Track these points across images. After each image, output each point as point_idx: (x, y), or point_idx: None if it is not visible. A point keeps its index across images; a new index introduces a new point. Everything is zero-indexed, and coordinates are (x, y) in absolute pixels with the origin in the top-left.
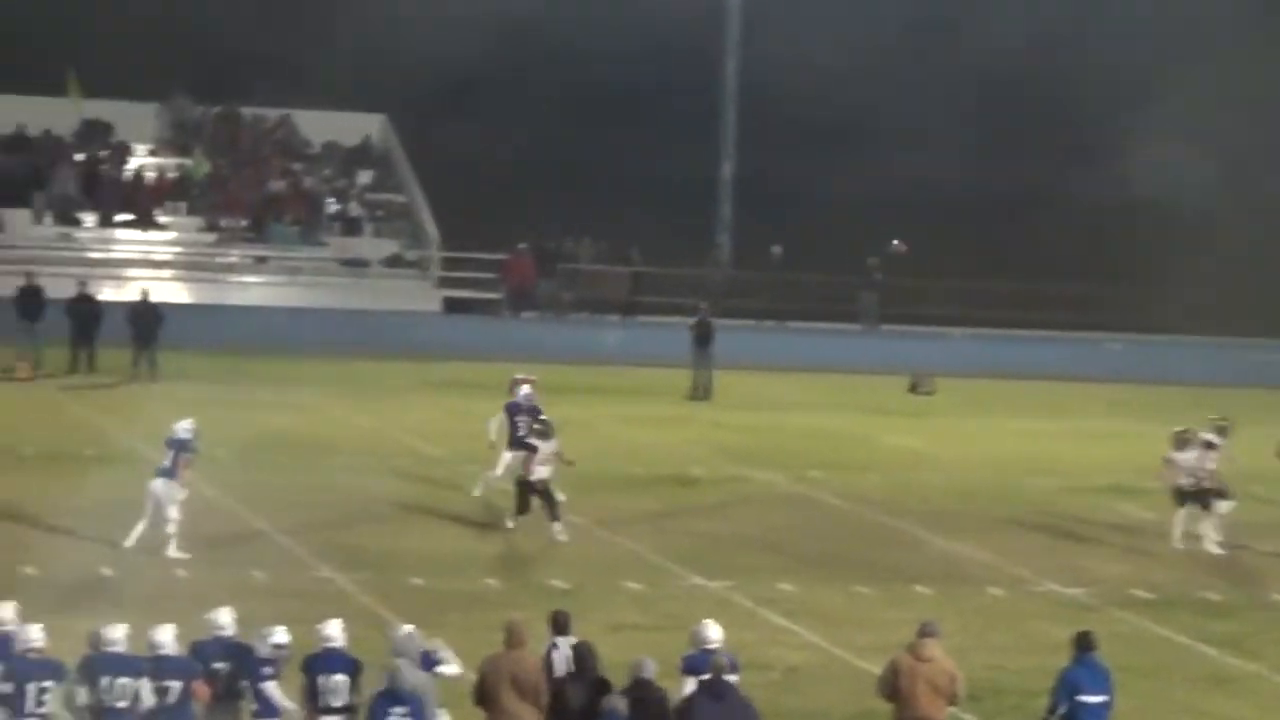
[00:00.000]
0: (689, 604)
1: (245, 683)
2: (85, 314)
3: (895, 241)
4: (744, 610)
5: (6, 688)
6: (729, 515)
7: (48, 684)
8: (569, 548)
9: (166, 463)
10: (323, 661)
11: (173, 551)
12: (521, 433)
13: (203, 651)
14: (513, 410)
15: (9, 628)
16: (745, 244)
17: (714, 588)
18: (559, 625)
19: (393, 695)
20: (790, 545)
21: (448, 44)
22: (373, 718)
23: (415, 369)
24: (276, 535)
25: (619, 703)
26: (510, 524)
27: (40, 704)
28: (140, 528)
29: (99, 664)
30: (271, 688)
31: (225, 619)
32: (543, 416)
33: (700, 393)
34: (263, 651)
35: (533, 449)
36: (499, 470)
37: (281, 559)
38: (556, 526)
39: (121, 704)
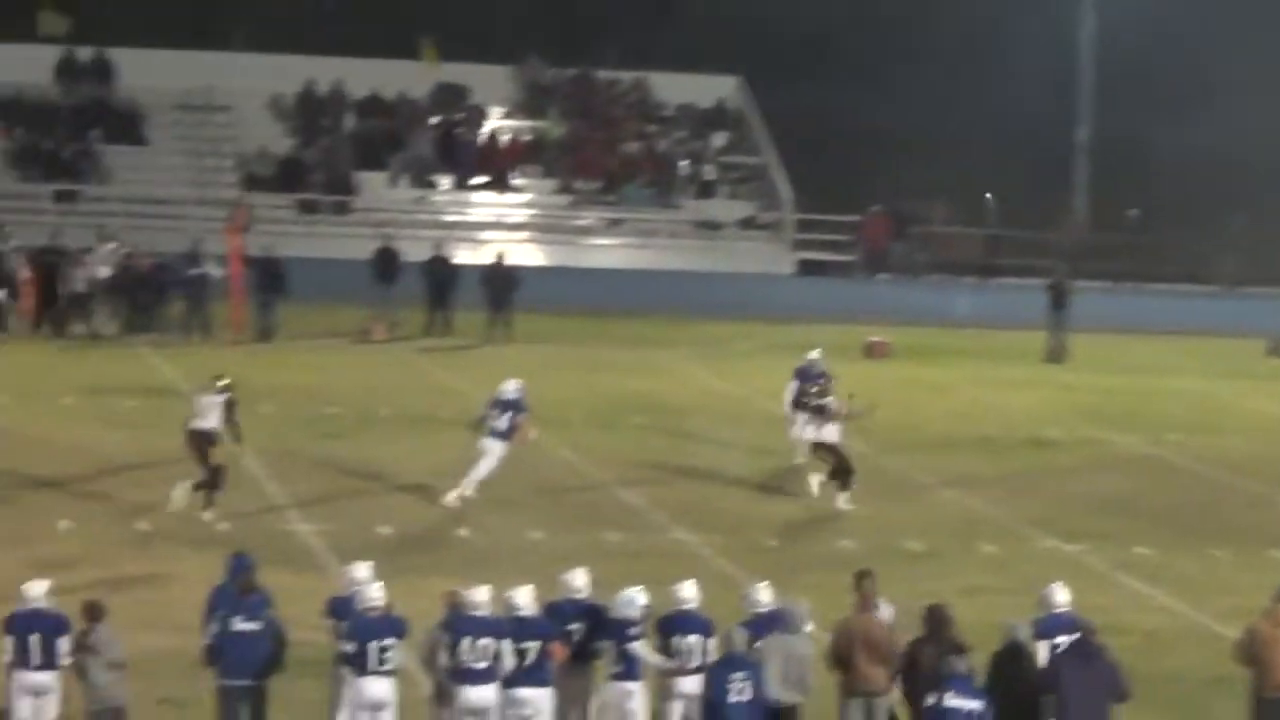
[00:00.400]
0: (1044, 567)
1: (601, 644)
2: (440, 276)
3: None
4: (1100, 574)
5: (350, 646)
6: (1085, 478)
7: (389, 641)
8: (925, 511)
9: (503, 424)
10: (678, 623)
11: (452, 498)
12: (807, 399)
13: (558, 613)
14: (802, 376)
15: (358, 587)
16: (1101, 206)
17: (1070, 551)
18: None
19: (731, 661)
20: (1147, 509)
21: (801, 5)
22: (714, 682)
23: (769, 331)
24: (630, 497)
25: (959, 664)
26: (815, 489)
27: (383, 662)
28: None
29: (460, 625)
30: (639, 647)
31: (580, 581)
32: (821, 381)
33: (1056, 355)
34: (629, 613)
35: (821, 411)
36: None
37: (635, 521)
38: (842, 496)
39: (481, 665)
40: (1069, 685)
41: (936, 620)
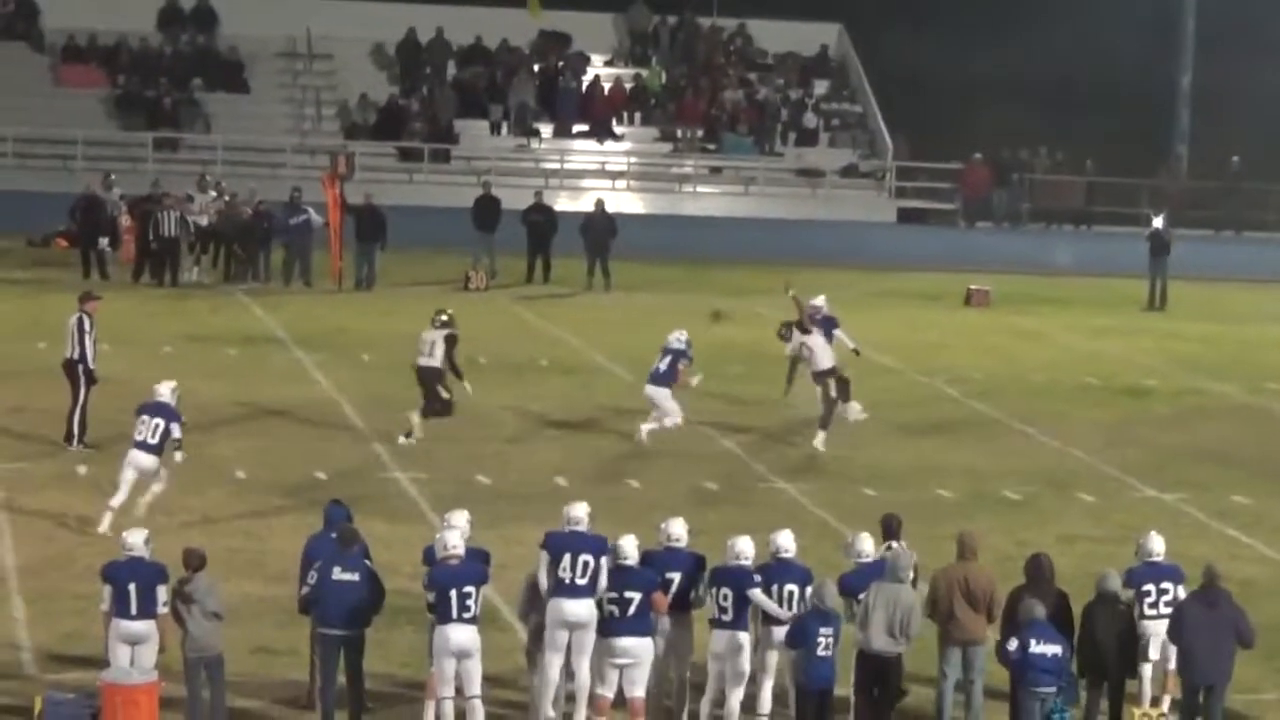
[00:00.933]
0: (1142, 516)
1: (702, 593)
2: (540, 224)
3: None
4: (1198, 523)
5: (431, 594)
6: (1184, 426)
7: (469, 589)
8: (1024, 459)
9: (662, 367)
10: (776, 571)
11: (643, 432)
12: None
13: (658, 562)
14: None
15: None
16: (1202, 154)
17: (1168, 500)
18: (890, 530)
19: (821, 615)
20: (1246, 458)
21: None
22: (803, 635)
23: (869, 279)
24: (729, 445)
25: (1038, 610)
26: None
27: (464, 609)
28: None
29: (559, 542)
30: (758, 594)
31: (678, 530)
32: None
33: (1156, 303)
34: (745, 561)
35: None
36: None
37: (734, 469)
38: (820, 436)
39: (581, 580)
40: (1194, 630)
41: (1037, 569)
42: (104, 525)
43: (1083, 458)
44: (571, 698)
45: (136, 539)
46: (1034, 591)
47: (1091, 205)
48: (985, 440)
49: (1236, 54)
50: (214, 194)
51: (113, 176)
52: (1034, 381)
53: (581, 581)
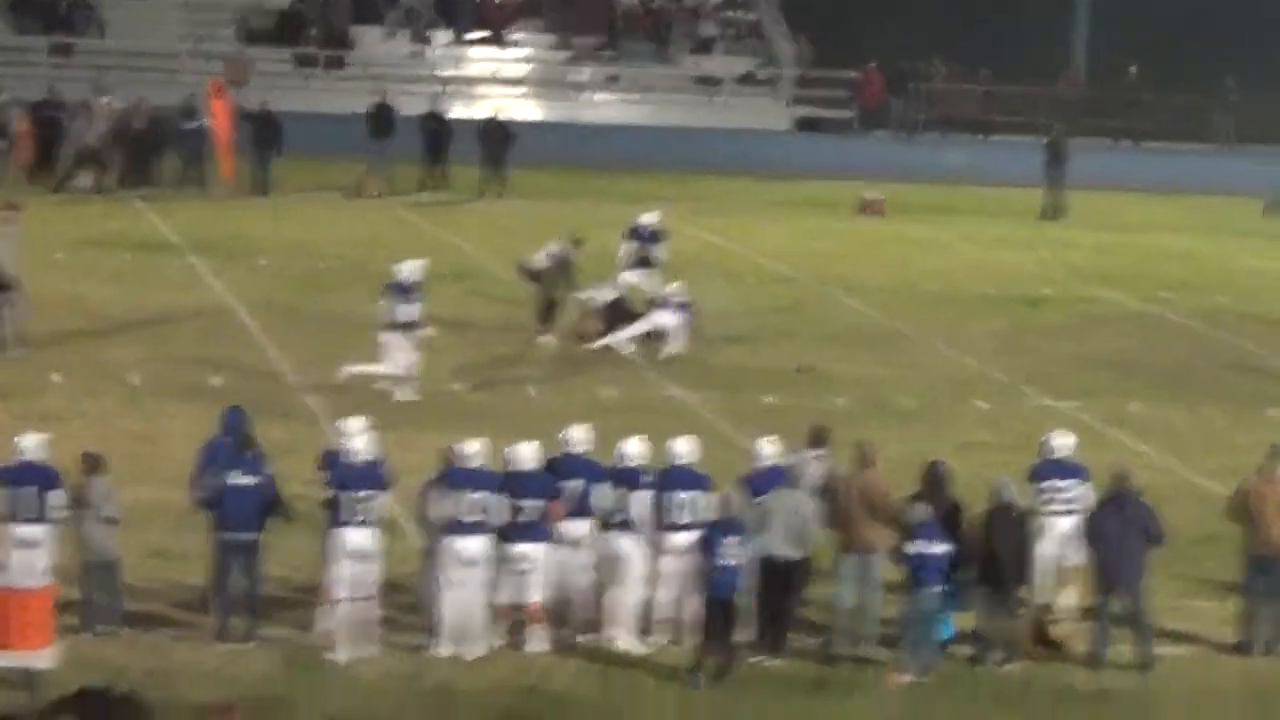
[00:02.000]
0: (1038, 424)
1: (600, 500)
2: (435, 131)
3: None
4: (1093, 431)
5: (330, 495)
6: (1079, 335)
7: (367, 492)
8: (919, 369)
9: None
10: (675, 477)
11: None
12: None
13: (559, 468)
14: (635, 236)
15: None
16: (1100, 62)
17: (1062, 407)
18: (818, 440)
19: (727, 524)
20: (1140, 366)
21: None
22: (707, 544)
23: (765, 188)
24: (638, 353)
25: (920, 512)
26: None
27: (362, 512)
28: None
29: (454, 479)
30: (641, 498)
31: (578, 435)
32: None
33: (1051, 213)
34: (634, 463)
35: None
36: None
37: (632, 378)
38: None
39: (473, 518)
40: (1108, 531)
41: (935, 477)
42: None
43: (978, 367)
44: None
45: (30, 442)
46: (929, 499)
47: (989, 114)
48: (880, 348)
49: None
50: (107, 99)
51: (2, 81)
52: (929, 290)
53: (472, 519)
